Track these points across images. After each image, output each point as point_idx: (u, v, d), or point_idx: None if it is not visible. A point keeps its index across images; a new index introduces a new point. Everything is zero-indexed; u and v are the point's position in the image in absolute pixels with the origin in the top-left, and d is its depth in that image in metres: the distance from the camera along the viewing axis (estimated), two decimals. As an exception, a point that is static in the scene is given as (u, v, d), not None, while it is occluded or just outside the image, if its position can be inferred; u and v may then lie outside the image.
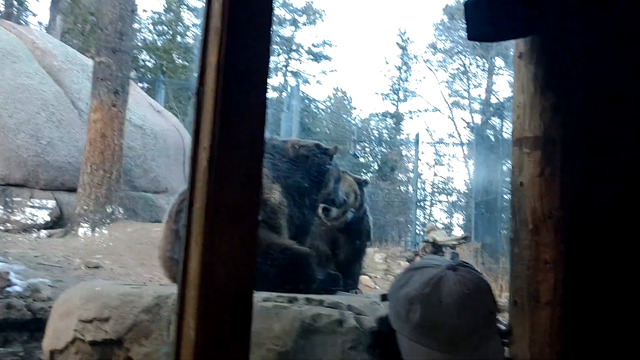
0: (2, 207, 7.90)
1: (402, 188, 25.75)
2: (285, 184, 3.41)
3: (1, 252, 6.03)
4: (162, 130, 10.92)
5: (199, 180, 2.15)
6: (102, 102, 7.55)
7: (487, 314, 1.02)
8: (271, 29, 2.13)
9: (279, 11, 27.01)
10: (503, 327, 1.09)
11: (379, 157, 28.29)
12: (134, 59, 20.21)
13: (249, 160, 2.13)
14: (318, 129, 27.80)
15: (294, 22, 26.85)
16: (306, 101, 26.84)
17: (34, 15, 23.18)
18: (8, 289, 4.92)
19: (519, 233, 2.46)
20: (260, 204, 2.90)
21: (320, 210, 4.14)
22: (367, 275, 7.70)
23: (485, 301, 1.03)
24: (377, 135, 31.12)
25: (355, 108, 32.99)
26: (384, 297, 1.14)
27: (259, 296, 2.92)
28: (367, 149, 28.35)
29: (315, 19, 26.76)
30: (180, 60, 23.68)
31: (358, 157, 26.00)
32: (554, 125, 2.40)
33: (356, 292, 4.37)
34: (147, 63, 22.19)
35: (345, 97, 32.36)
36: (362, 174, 26.89)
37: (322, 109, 31.59)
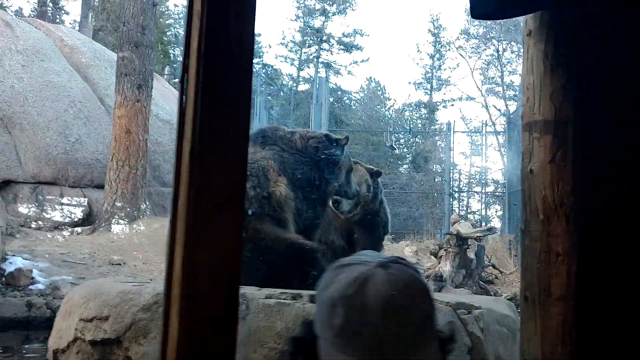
0: (34, 206, 8.03)
1: (437, 179, 25.37)
2: (293, 176, 3.31)
3: (28, 250, 6.11)
4: (190, 124, 10.93)
5: (183, 172, 2.07)
6: (126, 98, 7.58)
7: (421, 317, 0.89)
8: (255, 9, 2.02)
9: (308, 1, 26.90)
10: (444, 333, 0.96)
11: (414, 148, 27.98)
12: (165, 53, 20.42)
13: (234, 151, 2.04)
14: (352, 120, 27.61)
15: (324, 12, 26.65)
16: (338, 93, 26.70)
17: (67, 13, 23.49)
18: (31, 287, 4.97)
19: (530, 224, 2.32)
20: (250, 196, 2.80)
21: (331, 203, 4.03)
22: (394, 268, 7.57)
23: (418, 303, 0.89)
24: (411, 126, 30.76)
25: (389, 98, 32.65)
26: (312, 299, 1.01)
27: (261, 293, 2.83)
28: (402, 140, 28.06)
29: (345, 9, 26.52)
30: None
31: (395, 148, 25.74)
32: (566, 106, 2.23)
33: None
34: (179, 58, 22.37)
35: (379, 87, 32.04)
36: (399, 165, 26.71)
37: (356, 100, 31.39)
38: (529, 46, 2.40)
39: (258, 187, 3.16)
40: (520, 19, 2.53)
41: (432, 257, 5.82)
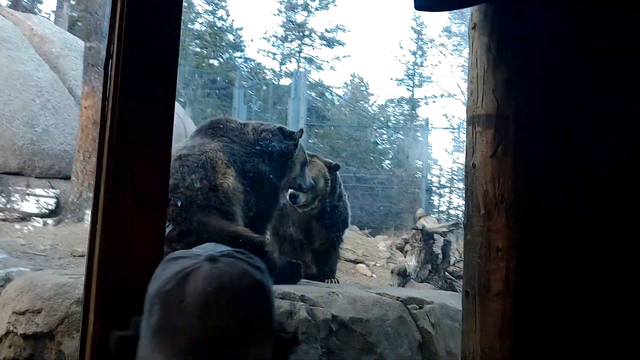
0: (-2, 196, 7.88)
1: (417, 175, 25.40)
2: (242, 168, 3.25)
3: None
4: (163, 117, 10.82)
5: (104, 163, 1.99)
6: (93, 88, 7.45)
7: (247, 316, 0.82)
8: (181, 7, 1.94)
9: (291, -4, 26.75)
10: (286, 334, 0.90)
11: (396, 144, 27.97)
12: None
13: (155, 143, 1.96)
14: (335, 115, 27.54)
15: (306, 7, 26.53)
16: (320, 88, 26.61)
17: (40, 2, 23.07)
18: (-15, 278, 4.86)
19: (471, 219, 2.29)
20: (196, 188, 2.72)
21: (287, 196, 3.99)
22: (364, 263, 7.53)
23: (245, 301, 0.83)
24: (393, 122, 30.79)
25: (372, 94, 32.61)
26: None
27: (203, 287, 2.77)
28: (385, 136, 28.04)
29: (327, 4, 26.38)
30: (192, 48, 23.62)
31: (378, 144, 25.72)
32: (508, 101, 2.20)
33: (332, 281, 4.21)
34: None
35: (362, 84, 32.01)
36: (381, 161, 26.72)
37: (339, 96, 31.31)
38: (474, 39, 2.37)
39: (205, 179, 3.09)
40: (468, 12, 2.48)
41: (398, 251, 5.80)
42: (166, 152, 1.88)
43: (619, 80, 2.08)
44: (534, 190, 2.14)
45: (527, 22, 2.20)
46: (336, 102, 29.94)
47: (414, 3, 2.36)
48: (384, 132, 27.64)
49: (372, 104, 32.07)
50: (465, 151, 2.41)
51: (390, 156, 27.77)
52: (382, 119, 30.41)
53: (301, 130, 3.60)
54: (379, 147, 26.36)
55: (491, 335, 2.17)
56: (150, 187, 1.85)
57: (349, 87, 31.97)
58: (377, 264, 7.86)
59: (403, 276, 5.24)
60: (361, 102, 30.98)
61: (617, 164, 2.08)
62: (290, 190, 3.99)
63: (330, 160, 4.53)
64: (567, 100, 2.14)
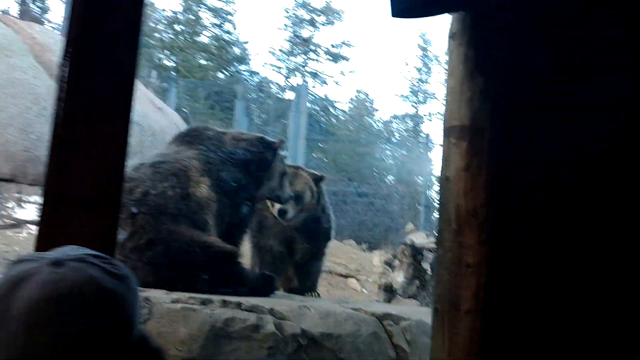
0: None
1: (420, 191, 25.28)
2: (218, 177, 3.18)
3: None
4: (161, 127, 10.80)
5: (51, 166, 1.91)
6: (88, 97, 7.41)
7: (90, 330, 0.73)
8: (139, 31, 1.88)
9: (297, 11, 26.86)
10: (148, 350, 0.81)
11: (399, 159, 27.94)
12: (150, 57, 20.28)
13: (107, 143, 1.89)
14: (340, 130, 27.54)
15: (313, 23, 26.64)
16: (324, 102, 26.63)
17: (46, 12, 23.20)
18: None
19: (443, 233, 2.22)
20: (167, 196, 2.65)
21: (275, 211, 3.92)
22: (355, 278, 7.43)
23: (87, 312, 0.74)
24: (398, 138, 30.80)
25: (377, 110, 32.65)
26: None
27: (167, 297, 2.69)
28: (388, 152, 28.02)
29: (334, 20, 26.53)
30: (200, 60, 23.73)
31: (384, 160, 25.67)
32: (483, 112, 2.13)
33: (312, 295, 4.12)
34: (164, 62, 22.27)
35: (367, 99, 32.07)
36: (384, 176, 26.69)
37: (345, 111, 31.35)
38: (452, 49, 2.31)
39: (177, 187, 3.03)
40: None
41: (387, 266, 5.71)
42: (119, 154, 1.82)
43: (593, 94, 2.02)
44: (506, 205, 2.08)
45: (503, 33, 2.15)
46: (341, 117, 29.97)
47: (391, 10, 2.31)
48: (388, 147, 27.63)
49: (377, 120, 32.11)
50: (441, 163, 2.34)
51: (394, 172, 27.72)
52: (386, 134, 30.42)
53: (281, 141, 3.54)
54: (383, 162, 26.35)
55: (460, 354, 2.09)
56: (97, 191, 1.78)
57: (354, 103, 32.02)
58: (369, 279, 7.76)
59: (390, 292, 5.14)
60: (366, 118, 31.01)
61: (592, 178, 2.01)
62: (277, 206, 3.93)
63: (315, 172, 4.47)
64: (541, 112, 2.08)
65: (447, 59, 2.37)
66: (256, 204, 3.56)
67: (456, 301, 2.16)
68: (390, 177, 27.24)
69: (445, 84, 2.36)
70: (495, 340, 2.08)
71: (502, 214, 2.11)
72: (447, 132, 2.28)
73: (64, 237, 1.73)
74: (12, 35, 9.33)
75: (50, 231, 1.73)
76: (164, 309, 2.61)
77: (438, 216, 2.33)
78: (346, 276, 7.28)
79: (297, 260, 4.20)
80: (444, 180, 2.27)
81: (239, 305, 2.73)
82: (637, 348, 1.91)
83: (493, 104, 2.14)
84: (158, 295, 2.69)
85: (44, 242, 1.72)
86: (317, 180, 4.22)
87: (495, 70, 2.16)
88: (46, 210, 1.76)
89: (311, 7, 26.77)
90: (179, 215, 2.96)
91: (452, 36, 2.31)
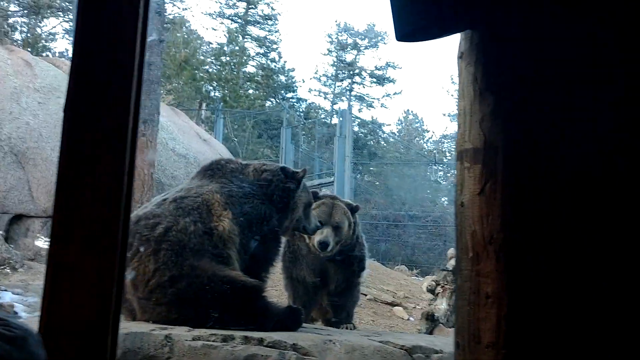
0: (43, 240, 8.09)
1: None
2: (241, 210, 3.16)
3: (24, 284, 6.11)
4: (206, 158, 10.98)
5: (56, 206, 1.93)
6: (132, 133, 7.61)
7: None
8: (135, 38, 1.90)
9: (341, 36, 27.09)
10: None
11: (452, 180, 27.53)
12: (198, 89, 20.78)
13: (106, 182, 1.90)
14: (389, 153, 27.43)
15: (356, 46, 26.81)
16: (371, 125, 26.61)
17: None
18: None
19: (461, 262, 2.11)
20: (189, 231, 2.65)
21: (315, 243, 3.89)
22: (402, 306, 7.27)
23: None
24: (449, 158, 30.38)
25: (427, 131, 32.34)
26: None
27: (189, 334, 2.67)
28: (441, 172, 27.68)
29: (377, 42, 26.62)
30: (246, 90, 24.14)
31: (437, 181, 25.35)
32: (495, 133, 2.03)
33: (347, 327, 4.03)
34: (212, 93, 22.78)
35: (416, 120, 31.85)
36: (438, 197, 26.32)
37: (394, 133, 31.23)
38: (461, 70, 2.23)
39: (199, 221, 3.02)
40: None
41: (430, 294, 5.54)
42: (120, 191, 1.82)
43: (609, 109, 1.90)
44: (525, 230, 1.96)
45: (510, 50, 2.06)
46: (390, 140, 29.85)
47: (395, 35, 2.26)
48: (440, 168, 27.26)
49: (427, 140, 31.78)
50: (455, 189, 2.25)
51: (446, 193, 27.31)
52: (437, 154, 30.04)
53: (304, 170, 3.50)
54: (435, 184, 26.02)
55: (483, 391, 1.97)
56: (97, 229, 1.78)
57: (403, 124, 31.85)
58: (417, 306, 7.57)
59: (432, 320, 4.98)
60: (416, 139, 30.75)
61: (614, 195, 1.88)
62: (317, 238, 3.90)
63: (351, 202, 4.43)
64: (554, 130, 1.98)
65: (458, 81, 2.29)
66: (282, 236, 3.52)
67: (477, 334, 2.04)
68: (444, 199, 26.87)
69: (457, 107, 2.28)
70: (520, 376, 1.95)
71: (521, 239, 1.99)
72: (460, 155, 2.18)
73: (67, 276, 1.75)
74: (62, 76, 9.72)
75: (56, 270, 1.74)
76: (185, 346, 2.59)
77: (455, 244, 2.23)
78: (392, 304, 7.12)
79: (332, 291, 4.13)
80: (459, 206, 2.17)
81: (261, 341, 2.68)
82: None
83: (504, 124, 2.04)
84: (179, 333, 2.67)
85: (50, 281, 1.74)
86: (353, 210, 4.18)
87: (505, 89, 2.06)
88: (52, 249, 1.78)
89: (354, 30, 26.96)
90: (202, 250, 2.94)
91: (460, 56, 2.23)
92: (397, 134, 30.85)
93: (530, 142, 1.98)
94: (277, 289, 5.26)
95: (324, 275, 4.14)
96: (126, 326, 2.74)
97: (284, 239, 4.00)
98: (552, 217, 1.94)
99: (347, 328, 4.00)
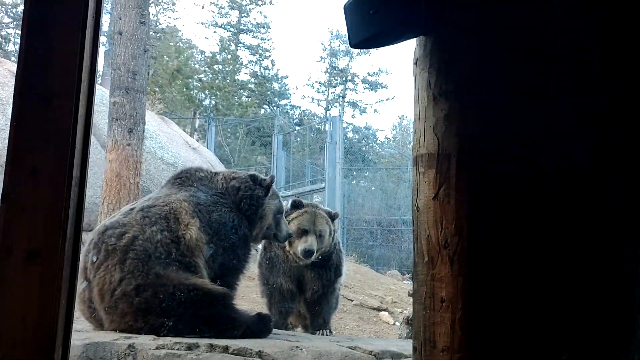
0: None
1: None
2: (209, 218, 3.16)
3: None
4: (195, 167, 11.02)
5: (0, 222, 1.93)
6: (117, 142, 7.62)
7: None
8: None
9: (333, 43, 27.17)
10: None
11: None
12: (190, 98, 20.80)
13: (47, 198, 1.90)
14: (384, 158, 27.43)
15: (348, 53, 26.87)
16: (365, 131, 26.64)
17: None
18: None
19: (417, 266, 2.12)
20: (155, 240, 2.64)
21: (298, 251, 3.90)
22: (388, 311, 7.25)
23: None
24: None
25: (421, 135, 32.25)
26: None
27: (153, 343, 2.66)
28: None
29: (368, 49, 26.65)
30: (239, 98, 24.17)
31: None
32: (449, 138, 2.05)
33: (324, 333, 4.02)
34: (205, 102, 22.80)
35: (410, 125, 31.89)
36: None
37: (389, 138, 31.27)
38: (416, 75, 2.24)
39: (166, 230, 3.02)
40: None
41: (412, 298, 5.50)
42: (63, 206, 1.82)
43: (561, 114, 1.92)
44: (479, 234, 1.97)
45: (464, 56, 2.07)
46: (385, 145, 29.87)
47: (349, 41, 2.27)
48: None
49: (422, 145, 31.72)
50: (412, 194, 2.26)
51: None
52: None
53: (272, 177, 3.50)
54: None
55: (439, 396, 1.97)
56: (39, 243, 1.78)
57: (397, 130, 31.90)
58: (404, 311, 7.55)
59: (412, 325, 4.95)
60: (411, 144, 30.75)
61: (566, 199, 1.89)
62: (301, 247, 3.92)
63: (330, 209, 4.44)
64: (508, 135, 1.99)
65: (414, 87, 2.30)
66: (252, 243, 3.51)
67: (432, 338, 2.06)
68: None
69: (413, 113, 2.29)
70: (475, 381, 1.95)
71: (474, 244, 2.00)
72: (415, 161, 2.20)
73: (11, 289, 1.76)
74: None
75: (0, 284, 1.75)
76: (149, 355, 2.58)
77: (413, 248, 2.24)
78: (379, 309, 7.11)
79: (308, 297, 4.13)
80: (414, 210, 2.18)
81: (226, 349, 2.67)
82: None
83: (457, 129, 2.06)
84: (143, 342, 2.66)
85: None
86: (332, 217, 4.19)
87: (457, 94, 2.07)
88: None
89: (345, 38, 26.97)
90: (168, 259, 2.93)
91: (415, 62, 2.24)
92: (392, 139, 30.90)
93: (483, 147, 1.99)
94: (246, 299, 5.25)
95: (301, 282, 4.14)
96: (89, 336, 2.73)
97: (257, 247, 4.01)
98: (504, 221, 1.95)
99: (323, 334, 4.00)
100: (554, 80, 1.92)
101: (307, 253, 3.96)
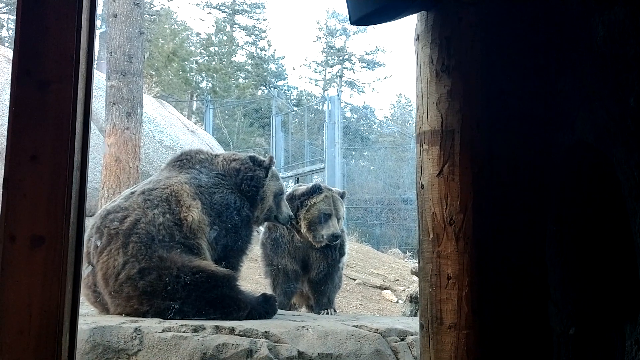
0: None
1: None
2: (211, 200, 3.15)
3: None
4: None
5: (2, 209, 1.92)
6: (115, 126, 7.59)
7: None
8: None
9: (329, 22, 26.96)
10: None
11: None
12: (187, 81, 20.68)
13: (49, 183, 1.88)
14: (383, 137, 27.37)
15: (345, 31, 26.70)
16: (363, 110, 26.53)
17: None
18: None
19: (422, 244, 2.12)
20: (158, 223, 2.63)
21: (325, 238, 3.91)
22: (391, 289, 7.28)
23: None
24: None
25: (420, 113, 32.19)
26: None
27: (159, 326, 2.67)
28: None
29: (365, 27, 26.45)
30: (236, 80, 24.05)
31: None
32: (452, 114, 2.04)
33: (328, 313, 4.04)
34: (202, 84, 22.69)
35: (409, 103, 31.80)
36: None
37: (387, 117, 31.17)
38: (418, 51, 2.23)
39: (168, 213, 3.01)
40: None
41: (414, 276, 5.53)
42: (65, 191, 1.81)
43: (565, 90, 1.90)
44: (484, 210, 1.96)
45: (466, 31, 2.05)
46: (383, 124, 29.78)
47: (349, 19, 2.25)
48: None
49: (421, 123, 31.66)
50: (415, 171, 2.25)
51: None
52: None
53: (270, 158, 3.48)
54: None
55: (445, 371, 1.98)
56: (42, 228, 1.77)
57: (395, 108, 31.78)
58: (407, 289, 7.59)
59: (416, 303, 4.98)
60: (409, 122, 30.71)
61: (570, 177, 1.88)
62: (329, 232, 3.92)
63: (338, 189, 4.46)
64: (513, 111, 1.97)
65: (415, 63, 2.28)
66: (254, 225, 3.51)
67: (439, 315, 2.07)
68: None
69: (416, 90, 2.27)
70: (481, 357, 1.97)
71: (480, 220, 2.00)
72: (419, 138, 2.19)
73: (16, 275, 1.75)
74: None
75: (5, 271, 1.75)
76: (155, 338, 2.59)
77: (417, 226, 2.24)
78: (381, 288, 7.14)
79: (312, 277, 4.14)
80: (419, 188, 2.18)
81: (232, 330, 2.68)
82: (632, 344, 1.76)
83: (462, 104, 2.04)
84: (149, 325, 2.67)
85: (2, 282, 1.75)
86: (342, 197, 4.22)
87: (461, 70, 2.06)
88: (0, 251, 1.79)
89: (342, 16, 26.81)
90: (171, 242, 2.93)
91: (417, 38, 2.22)
92: (390, 118, 30.81)
93: (486, 122, 1.98)
94: (248, 280, 5.26)
95: (305, 262, 4.15)
96: (95, 320, 2.74)
97: (259, 229, 4.01)
98: (509, 197, 1.94)
99: (328, 313, 4.01)
100: (558, 55, 1.90)
101: (335, 237, 3.98)
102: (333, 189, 4.35)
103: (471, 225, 1.99)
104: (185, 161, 3.32)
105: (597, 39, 1.75)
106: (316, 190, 4.13)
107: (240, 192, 3.27)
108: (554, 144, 1.89)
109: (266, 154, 9.42)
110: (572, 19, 1.86)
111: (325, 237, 4.00)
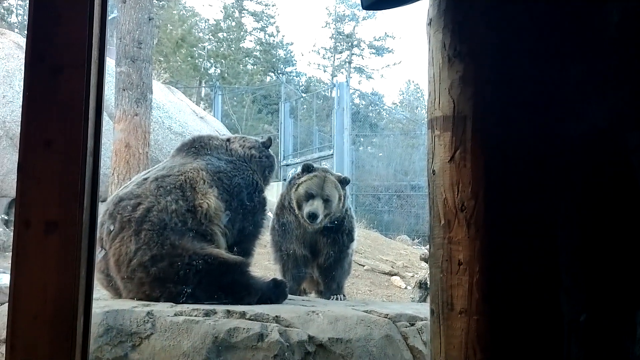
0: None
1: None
2: (230, 183, 3.16)
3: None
4: (203, 136, 11.01)
5: (17, 195, 1.94)
6: (125, 112, 7.61)
7: None
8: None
9: (338, 8, 26.79)
10: None
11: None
12: (195, 67, 20.66)
13: (62, 168, 1.90)
14: (392, 124, 27.30)
15: (354, 17, 26.55)
16: (372, 97, 26.43)
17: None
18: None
19: (433, 230, 2.12)
20: (170, 211, 2.64)
21: (305, 215, 3.89)
22: (399, 275, 7.30)
23: None
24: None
25: (429, 100, 32.08)
26: None
27: (171, 310, 2.69)
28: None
29: (374, 12, 26.28)
30: (244, 66, 24.00)
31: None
32: (464, 99, 2.02)
33: (337, 298, 4.06)
34: (210, 71, 22.66)
35: (418, 90, 31.65)
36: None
37: (396, 103, 31.06)
38: (430, 36, 2.21)
39: (182, 200, 3.03)
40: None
41: (423, 262, 5.54)
42: (77, 177, 1.82)
43: (581, 77, 1.88)
44: (496, 197, 1.96)
45: (479, 15, 2.03)
46: (392, 110, 29.67)
47: (361, 4, 2.23)
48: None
49: (430, 109, 31.53)
50: (427, 157, 2.25)
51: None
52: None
53: (269, 139, 3.49)
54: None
55: (456, 357, 1.99)
56: (55, 213, 1.79)
57: (404, 94, 31.63)
58: (416, 275, 7.61)
59: (425, 289, 5.00)
60: (418, 109, 30.58)
61: (583, 164, 1.87)
62: (307, 210, 3.90)
63: (340, 174, 4.41)
64: (525, 97, 1.96)
65: (427, 49, 2.26)
66: (266, 207, 3.52)
67: (450, 301, 2.07)
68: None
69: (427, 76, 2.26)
70: (493, 341, 1.97)
71: (492, 207, 1.99)
72: (430, 123, 2.18)
73: (30, 260, 1.77)
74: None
75: (19, 257, 1.77)
76: (167, 322, 2.61)
77: (429, 212, 2.23)
78: (390, 274, 7.16)
79: (321, 263, 4.15)
80: (430, 174, 2.17)
81: (243, 314, 2.70)
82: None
83: (473, 91, 2.03)
84: (161, 309, 2.69)
85: (16, 267, 1.76)
86: (343, 182, 4.17)
87: (474, 55, 2.04)
88: (15, 236, 1.81)
89: (351, 1, 26.67)
90: (184, 229, 2.95)
91: (429, 23, 2.21)
92: (399, 104, 30.68)
93: (499, 109, 1.96)
94: (258, 266, 5.28)
95: (314, 248, 4.16)
96: (108, 304, 2.77)
97: (269, 214, 4.02)
98: (521, 183, 1.94)
99: (337, 299, 4.03)
100: (571, 41, 1.88)
101: (312, 216, 3.92)
102: (335, 173, 4.32)
103: (482, 212, 1.98)
104: (199, 147, 3.33)
105: (612, 25, 1.74)
106: (306, 169, 4.12)
107: (261, 175, 3.29)
108: (568, 130, 1.88)
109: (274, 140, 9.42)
110: (586, 5, 1.84)
111: (305, 215, 3.98)
